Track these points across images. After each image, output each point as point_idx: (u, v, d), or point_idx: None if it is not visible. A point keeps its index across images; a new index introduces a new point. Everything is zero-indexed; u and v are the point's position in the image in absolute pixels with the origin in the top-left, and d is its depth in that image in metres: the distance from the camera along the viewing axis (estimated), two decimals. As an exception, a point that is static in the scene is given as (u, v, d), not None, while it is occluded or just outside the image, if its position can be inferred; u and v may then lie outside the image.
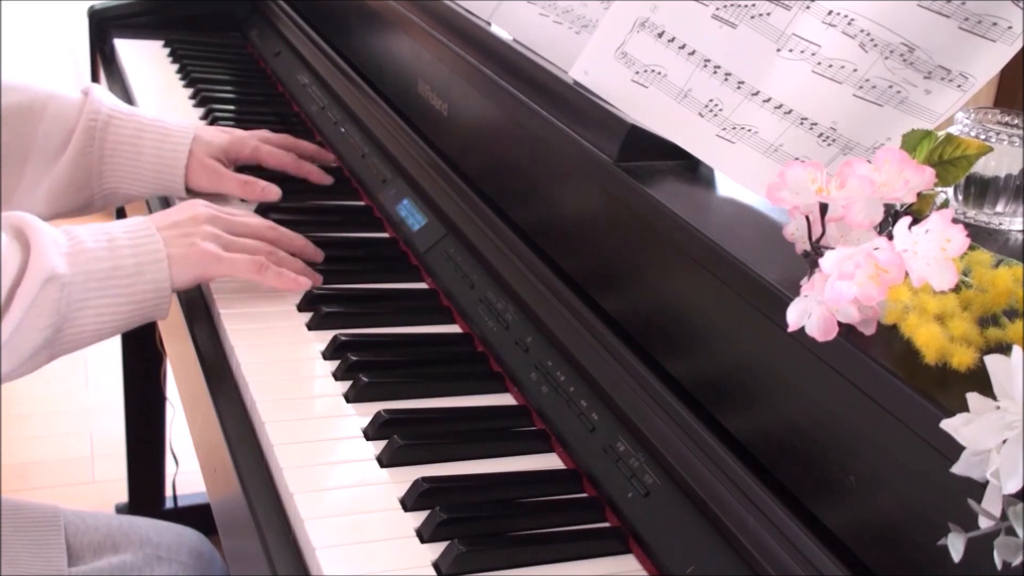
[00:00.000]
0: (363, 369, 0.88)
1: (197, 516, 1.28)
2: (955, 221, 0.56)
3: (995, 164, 0.76)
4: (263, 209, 1.14)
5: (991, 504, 0.48)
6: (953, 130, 0.75)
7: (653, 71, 0.86)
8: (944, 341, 0.54)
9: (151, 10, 1.66)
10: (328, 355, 0.91)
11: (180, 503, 1.85)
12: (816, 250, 0.61)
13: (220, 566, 1.12)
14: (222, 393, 0.87)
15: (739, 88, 0.81)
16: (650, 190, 0.78)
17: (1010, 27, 0.71)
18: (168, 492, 1.87)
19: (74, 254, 0.86)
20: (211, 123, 1.36)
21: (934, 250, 0.56)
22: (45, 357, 0.87)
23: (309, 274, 0.99)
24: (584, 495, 0.78)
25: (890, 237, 0.57)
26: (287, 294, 0.99)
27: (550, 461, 0.82)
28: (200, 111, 1.41)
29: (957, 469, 0.49)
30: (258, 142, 1.19)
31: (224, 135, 1.17)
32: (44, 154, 1.09)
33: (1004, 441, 0.47)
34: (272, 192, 1.13)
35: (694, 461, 0.70)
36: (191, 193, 1.12)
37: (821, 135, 0.76)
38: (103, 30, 1.64)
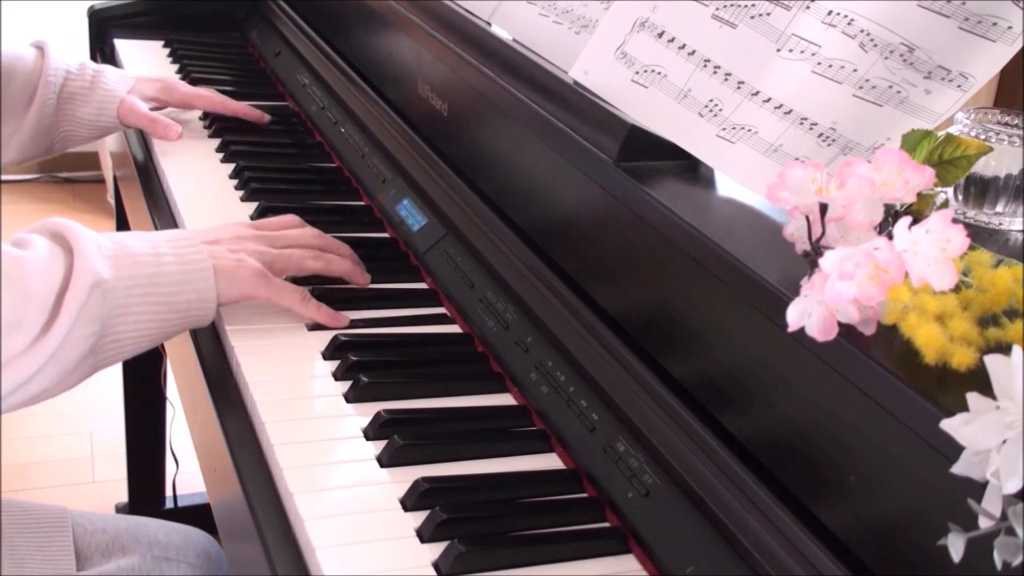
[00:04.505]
0: (363, 369, 0.88)
1: (197, 516, 1.28)
2: (955, 221, 0.56)
3: (995, 164, 0.76)
4: (263, 208, 1.14)
5: (991, 504, 0.48)
6: (953, 130, 0.76)
7: (653, 71, 0.86)
8: (944, 341, 0.54)
9: (151, 10, 1.66)
10: (328, 355, 0.91)
11: (180, 503, 1.85)
12: (816, 250, 0.61)
13: (228, 567, 1.12)
14: (222, 393, 0.87)
15: (739, 88, 0.81)
16: (650, 190, 0.78)
17: (1010, 27, 0.71)
18: (168, 492, 1.87)
19: (118, 258, 0.84)
20: (211, 124, 1.36)
21: (934, 250, 0.56)
22: (88, 368, 0.85)
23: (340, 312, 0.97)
24: (584, 495, 0.78)
25: (890, 237, 0.57)
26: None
27: (550, 461, 0.82)
28: (200, 111, 1.40)
29: (957, 469, 0.49)
30: (186, 88, 1.35)
31: (156, 83, 1.33)
32: (15, 109, 1.24)
33: (1004, 441, 0.47)
34: (173, 131, 1.28)
35: (694, 461, 0.70)
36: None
37: (821, 135, 0.76)
38: (103, 30, 1.64)
